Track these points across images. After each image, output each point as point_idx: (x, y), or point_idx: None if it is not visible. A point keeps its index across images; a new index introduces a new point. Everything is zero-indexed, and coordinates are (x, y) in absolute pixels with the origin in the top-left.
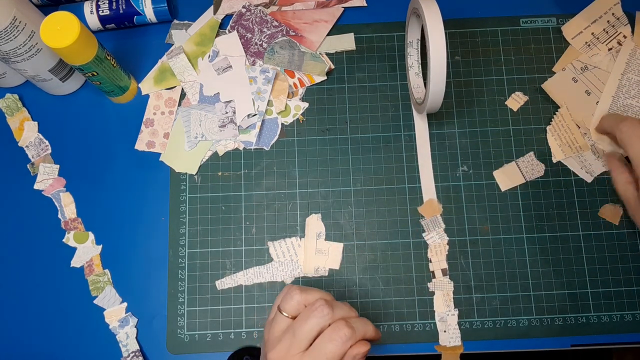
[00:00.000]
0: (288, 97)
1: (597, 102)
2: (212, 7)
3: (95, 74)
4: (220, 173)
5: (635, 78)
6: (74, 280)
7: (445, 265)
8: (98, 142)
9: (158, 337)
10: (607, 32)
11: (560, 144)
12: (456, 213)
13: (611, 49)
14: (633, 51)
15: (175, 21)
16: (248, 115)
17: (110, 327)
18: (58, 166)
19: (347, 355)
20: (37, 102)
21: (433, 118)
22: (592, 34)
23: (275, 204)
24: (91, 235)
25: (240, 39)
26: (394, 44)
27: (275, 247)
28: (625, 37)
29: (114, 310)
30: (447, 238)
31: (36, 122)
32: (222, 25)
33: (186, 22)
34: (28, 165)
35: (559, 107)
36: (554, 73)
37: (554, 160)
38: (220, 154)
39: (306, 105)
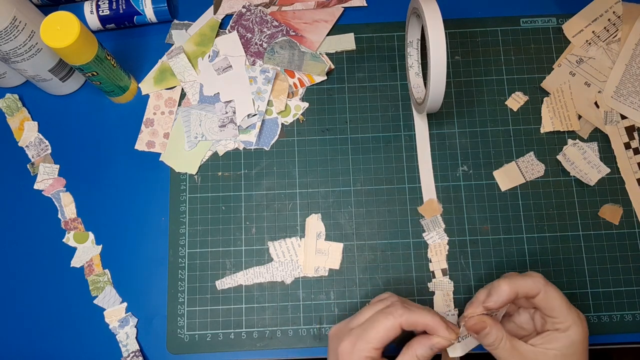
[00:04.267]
0: (288, 97)
1: (599, 91)
2: (212, 7)
3: (95, 74)
4: (220, 173)
5: None
6: (74, 280)
7: (445, 265)
8: (98, 142)
9: (158, 337)
10: (607, 30)
11: (552, 116)
12: (456, 213)
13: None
14: None
15: (175, 21)
16: (248, 115)
17: (110, 327)
18: (58, 166)
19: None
20: (37, 102)
21: (433, 118)
22: (593, 32)
23: (275, 204)
24: (91, 235)
25: (240, 39)
26: (394, 44)
27: (275, 247)
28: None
29: (114, 310)
30: (447, 238)
31: (36, 122)
32: (222, 25)
33: (186, 22)
34: (28, 165)
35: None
36: None
37: (542, 131)
38: (220, 154)
39: (306, 105)
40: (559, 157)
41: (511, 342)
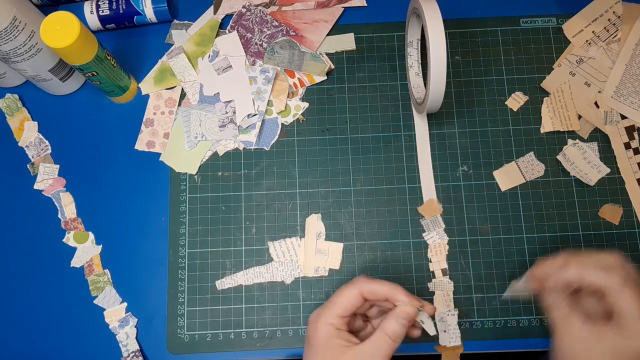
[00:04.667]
0: (288, 97)
1: (599, 91)
2: (212, 7)
3: (95, 74)
4: (220, 173)
5: None
6: (74, 280)
7: (445, 265)
8: (98, 142)
9: (158, 337)
10: (607, 30)
11: (552, 116)
12: (456, 213)
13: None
14: None
15: (175, 21)
16: (248, 115)
17: (110, 327)
18: (58, 166)
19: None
20: (37, 102)
21: (433, 118)
22: (593, 32)
23: (275, 204)
24: (91, 235)
25: (240, 39)
26: (394, 44)
27: (275, 247)
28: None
29: (114, 310)
30: (447, 238)
31: (36, 122)
32: (222, 25)
33: (186, 22)
34: (28, 165)
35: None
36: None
37: (542, 131)
38: (220, 154)
39: (306, 105)
40: (559, 157)
41: (567, 313)
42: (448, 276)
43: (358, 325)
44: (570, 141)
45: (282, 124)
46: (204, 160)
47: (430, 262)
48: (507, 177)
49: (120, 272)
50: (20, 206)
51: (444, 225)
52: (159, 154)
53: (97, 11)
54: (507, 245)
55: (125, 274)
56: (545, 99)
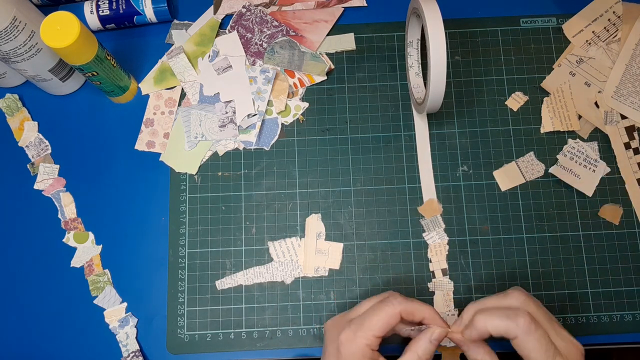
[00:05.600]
0: (288, 97)
1: (599, 91)
2: (212, 7)
3: (95, 74)
4: (220, 173)
5: None
6: (74, 280)
7: (445, 265)
8: (98, 142)
9: (158, 337)
10: (607, 30)
11: (552, 116)
12: (456, 213)
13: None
14: None
15: (175, 21)
16: (248, 115)
17: (110, 327)
18: (58, 166)
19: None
20: (37, 102)
21: (433, 118)
22: (593, 32)
23: (275, 204)
24: (91, 235)
25: (240, 39)
26: (394, 44)
27: (275, 247)
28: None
29: (114, 310)
30: (447, 238)
31: (36, 122)
32: (222, 25)
33: (186, 22)
34: (28, 165)
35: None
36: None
37: (542, 131)
38: (220, 154)
39: (306, 105)
40: (559, 157)
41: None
42: (448, 276)
43: None
44: (570, 141)
45: (282, 124)
46: (204, 160)
47: (430, 262)
48: (507, 177)
49: (120, 272)
50: (20, 206)
51: (444, 225)
52: (159, 154)
53: (97, 11)
54: (507, 245)
55: (125, 274)
56: (545, 99)
